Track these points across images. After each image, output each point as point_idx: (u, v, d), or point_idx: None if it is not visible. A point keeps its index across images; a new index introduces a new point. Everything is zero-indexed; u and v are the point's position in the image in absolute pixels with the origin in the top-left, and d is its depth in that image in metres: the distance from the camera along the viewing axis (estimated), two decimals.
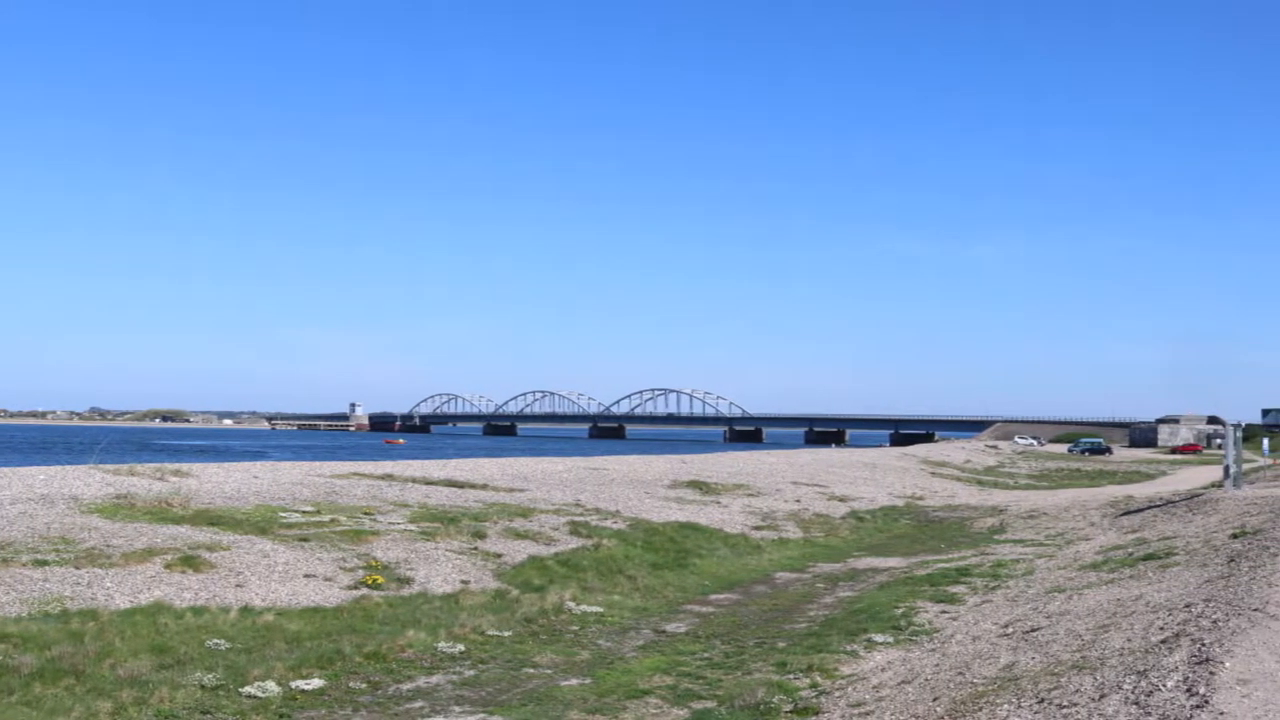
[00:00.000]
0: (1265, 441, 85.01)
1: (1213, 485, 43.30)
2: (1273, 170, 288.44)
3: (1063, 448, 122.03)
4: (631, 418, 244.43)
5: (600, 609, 17.13)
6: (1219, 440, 77.24)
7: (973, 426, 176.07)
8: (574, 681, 12.81)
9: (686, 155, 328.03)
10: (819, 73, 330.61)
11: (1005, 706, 9.14)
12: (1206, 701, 7.91)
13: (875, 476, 51.57)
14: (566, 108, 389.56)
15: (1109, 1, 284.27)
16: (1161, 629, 11.45)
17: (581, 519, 25.22)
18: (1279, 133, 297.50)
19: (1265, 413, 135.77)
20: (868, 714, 10.65)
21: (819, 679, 12.63)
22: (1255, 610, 11.50)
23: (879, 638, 14.90)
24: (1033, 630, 13.48)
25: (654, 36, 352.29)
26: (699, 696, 12.16)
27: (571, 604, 17.11)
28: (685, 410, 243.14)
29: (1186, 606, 12.76)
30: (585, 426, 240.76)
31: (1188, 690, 8.33)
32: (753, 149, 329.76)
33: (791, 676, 12.78)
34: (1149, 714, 7.91)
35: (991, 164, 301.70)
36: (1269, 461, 76.00)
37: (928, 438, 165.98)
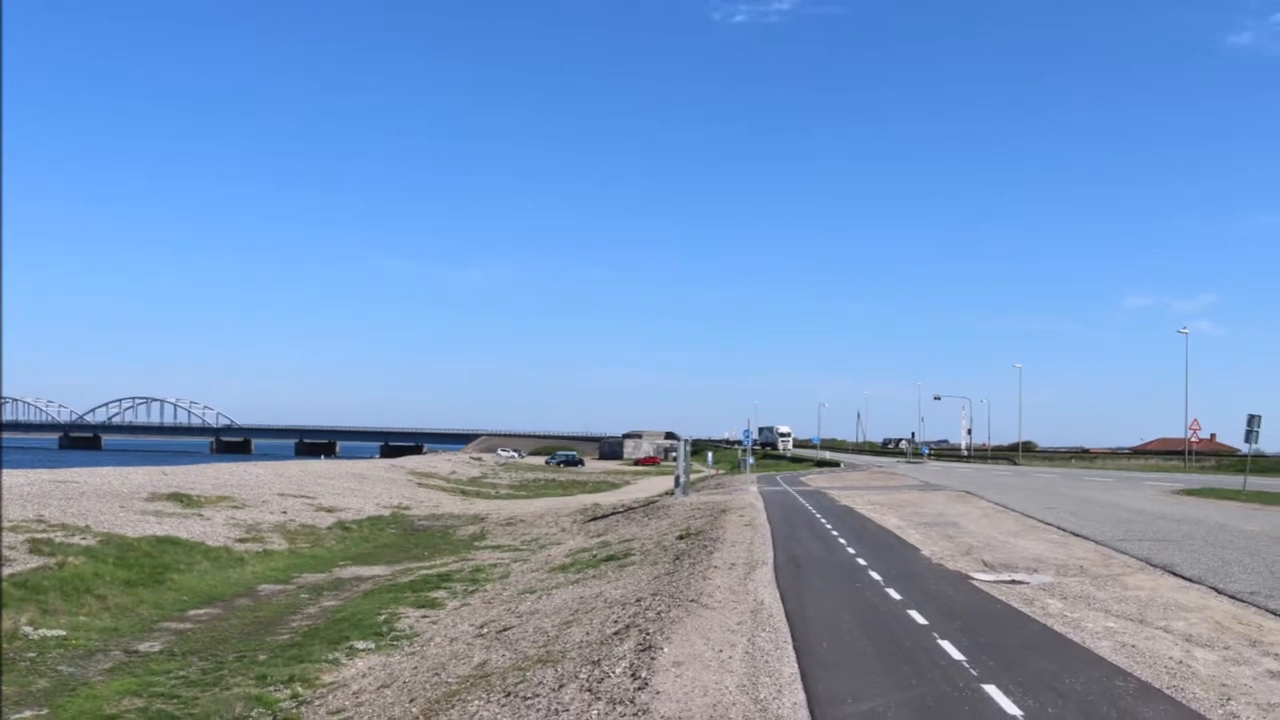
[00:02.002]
0: (710, 455, 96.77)
1: (666, 493, 48.17)
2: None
3: (541, 459, 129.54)
4: (109, 427, 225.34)
5: (63, 632, 15.96)
6: (674, 453, 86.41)
7: (460, 439, 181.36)
8: (28, 713, 11.92)
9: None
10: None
11: (476, 702, 9.86)
12: (647, 683, 9.07)
13: (364, 487, 51.71)
14: None
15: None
16: (616, 622, 12.83)
17: (44, 535, 23.16)
18: None
19: (761, 430, 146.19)
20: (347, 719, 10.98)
21: (300, 689, 12.74)
22: (692, 601, 13.22)
23: (361, 644, 15.23)
24: (505, 630, 14.48)
25: None
26: (173, 717, 11.81)
27: (29, 629, 15.77)
28: (170, 420, 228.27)
29: (638, 600, 14.36)
30: (55, 436, 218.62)
31: (632, 675, 9.49)
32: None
33: (272, 688, 12.77)
34: (599, 698, 8.93)
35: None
36: (713, 471, 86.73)
37: (417, 449, 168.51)
